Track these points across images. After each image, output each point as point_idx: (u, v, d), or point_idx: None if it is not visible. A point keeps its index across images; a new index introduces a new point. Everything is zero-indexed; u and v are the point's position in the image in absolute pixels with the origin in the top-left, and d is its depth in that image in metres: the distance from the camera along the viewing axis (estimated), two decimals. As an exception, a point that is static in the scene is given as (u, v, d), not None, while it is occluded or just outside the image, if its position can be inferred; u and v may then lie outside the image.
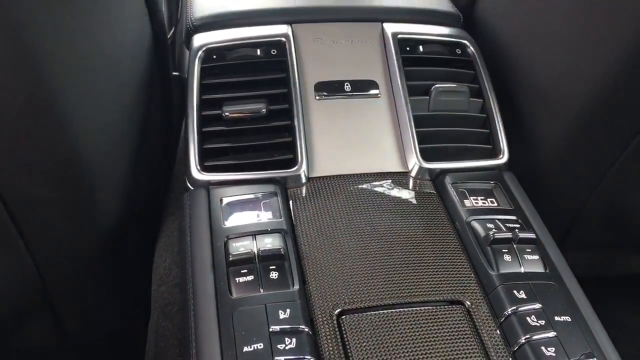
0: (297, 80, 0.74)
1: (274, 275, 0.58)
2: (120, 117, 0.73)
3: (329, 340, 0.55)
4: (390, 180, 0.71)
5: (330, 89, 0.76)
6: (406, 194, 0.70)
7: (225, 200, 0.66)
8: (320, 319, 0.56)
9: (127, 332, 0.88)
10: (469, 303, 0.59)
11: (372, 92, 0.77)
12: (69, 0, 0.56)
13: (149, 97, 0.82)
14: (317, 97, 0.75)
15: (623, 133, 0.77)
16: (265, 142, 0.72)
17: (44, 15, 0.53)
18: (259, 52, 0.76)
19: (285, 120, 0.72)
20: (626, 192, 0.89)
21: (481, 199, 0.71)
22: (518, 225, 0.67)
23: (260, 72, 0.75)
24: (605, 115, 0.74)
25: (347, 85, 0.76)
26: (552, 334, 0.56)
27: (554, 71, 0.77)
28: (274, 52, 0.76)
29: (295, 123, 0.72)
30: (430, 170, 0.73)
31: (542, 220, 0.70)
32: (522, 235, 0.64)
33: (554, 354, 0.54)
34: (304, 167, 0.70)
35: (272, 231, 0.62)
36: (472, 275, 0.62)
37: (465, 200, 0.70)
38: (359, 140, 0.74)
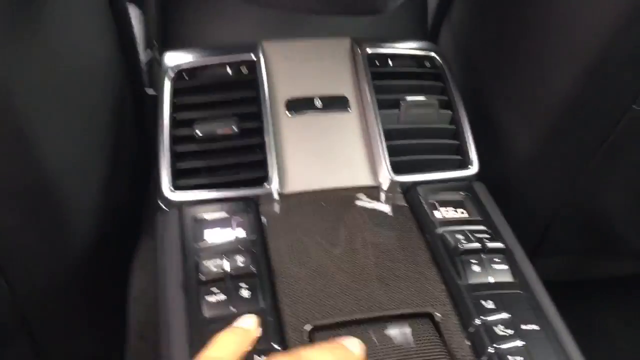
0: (267, 98, 0.75)
1: (245, 293, 0.58)
2: (91, 138, 0.74)
3: (301, 357, 0.55)
4: (362, 194, 0.72)
5: (301, 105, 0.77)
6: (378, 208, 0.71)
7: (197, 219, 0.67)
8: (292, 336, 0.57)
9: (107, 354, 0.88)
10: (439, 315, 0.60)
11: (343, 107, 0.77)
12: (31, 22, 0.57)
13: (121, 116, 0.82)
14: (288, 114, 0.76)
15: (591, 140, 0.78)
16: (237, 160, 0.72)
17: (8, 40, 0.53)
18: (229, 70, 0.77)
19: (257, 138, 0.73)
20: (596, 198, 0.90)
21: (452, 210, 0.72)
22: (487, 236, 0.68)
23: (231, 91, 0.76)
24: (574, 122, 0.75)
25: (317, 101, 0.77)
26: (520, 343, 0.57)
27: (522, 80, 0.79)
28: (244, 71, 0.77)
29: (266, 140, 0.72)
30: (401, 183, 0.74)
31: (511, 230, 0.71)
32: (490, 245, 0.65)
33: (522, 364, 0.55)
34: (276, 184, 0.70)
35: (244, 249, 0.63)
36: (442, 286, 0.63)
37: (435, 212, 0.71)
38: (331, 156, 0.74)
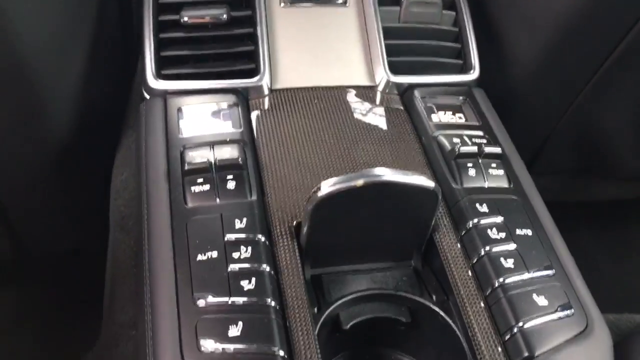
0: None
1: (231, 185, 0.56)
2: (70, 20, 0.69)
3: (286, 251, 0.54)
4: (356, 93, 0.69)
5: None
6: (373, 108, 0.68)
7: (183, 109, 0.63)
8: (278, 230, 0.55)
9: (87, 247, 0.86)
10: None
11: (341, 0, 0.73)
12: None
13: (103, 4, 0.77)
14: (283, 5, 0.71)
15: (597, 52, 0.74)
16: (226, 50, 0.68)
17: None
18: (220, -47, 0.71)
19: (248, 28, 0.69)
20: (597, 117, 0.87)
21: (449, 114, 0.69)
22: (485, 141, 0.65)
23: None
24: (581, 31, 0.71)
25: None
26: (512, 246, 0.55)
27: None
28: None
29: (258, 31, 0.68)
30: (398, 84, 0.70)
31: (509, 137, 0.69)
32: (487, 150, 0.62)
33: (512, 266, 0.54)
34: (267, 77, 0.66)
35: (231, 141, 0.60)
36: None
37: (432, 115, 0.68)
38: (326, 52, 0.70)
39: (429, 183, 0.52)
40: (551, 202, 1.20)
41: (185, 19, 0.67)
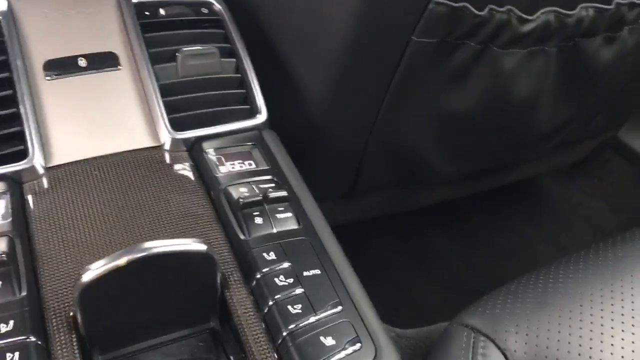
0: (20, 61, 0.66)
1: (-5, 285, 0.52)
2: None
3: (63, 345, 0.50)
4: (140, 157, 0.67)
5: (62, 66, 0.69)
6: (159, 170, 0.66)
7: (-58, 209, 0.58)
8: (55, 324, 0.52)
9: None
10: (220, 275, 0.57)
11: (112, 65, 0.71)
12: None
13: None
14: (48, 78, 0.68)
15: (381, 74, 0.78)
16: None
17: None
18: (-29, 34, 0.67)
19: (11, 108, 0.65)
20: (399, 133, 0.91)
21: (238, 163, 0.69)
22: (272, 185, 0.65)
23: None
24: (359, 58, 0.74)
25: (81, 60, 0.70)
26: (299, 290, 0.56)
27: (302, 21, 0.76)
28: None
29: (22, 110, 0.64)
30: (184, 140, 0.69)
31: (300, 175, 0.70)
32: (273, 195, 0.63)
33: (300, 310, 0.54)
34: (38, 157, 0.63)
35: None
36: (226, 245, 0.60)
37: (221, 167, 0.67)
38: (103, 119, 0.68)
39: (200, 247, 0.51)
40: (389, 215, 1.24)
41: (-64, 109, 0.62)
